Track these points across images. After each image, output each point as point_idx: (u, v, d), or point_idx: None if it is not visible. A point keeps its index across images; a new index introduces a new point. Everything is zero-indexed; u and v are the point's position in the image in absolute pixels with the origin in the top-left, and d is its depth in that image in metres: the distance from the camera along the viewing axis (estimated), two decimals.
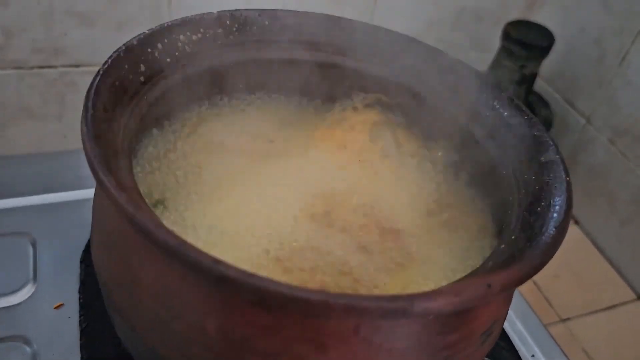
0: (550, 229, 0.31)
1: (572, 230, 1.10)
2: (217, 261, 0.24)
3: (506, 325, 0.53)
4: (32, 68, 0.89)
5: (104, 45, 0.82)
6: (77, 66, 0.90)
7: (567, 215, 0.32)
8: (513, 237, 0.33)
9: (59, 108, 0.91)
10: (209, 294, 0.28)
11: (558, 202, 0.33)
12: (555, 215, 0.32)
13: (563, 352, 0.53)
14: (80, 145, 0.32)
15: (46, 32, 0.85)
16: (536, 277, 0.63)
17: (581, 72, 1.11)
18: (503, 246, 0.32)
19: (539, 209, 0.34)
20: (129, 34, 0.37)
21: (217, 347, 0.29)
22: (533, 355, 0.52)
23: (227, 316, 0.28)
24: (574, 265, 0.94)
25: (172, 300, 0.29)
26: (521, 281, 0.28)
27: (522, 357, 0.51)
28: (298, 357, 0.28)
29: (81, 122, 0.30)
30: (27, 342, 0.45)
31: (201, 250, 0.25)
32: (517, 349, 0.52)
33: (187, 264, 0.25)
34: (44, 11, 0.82)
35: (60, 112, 0.91)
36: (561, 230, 0.30)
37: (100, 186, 0.27)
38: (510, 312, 0.55)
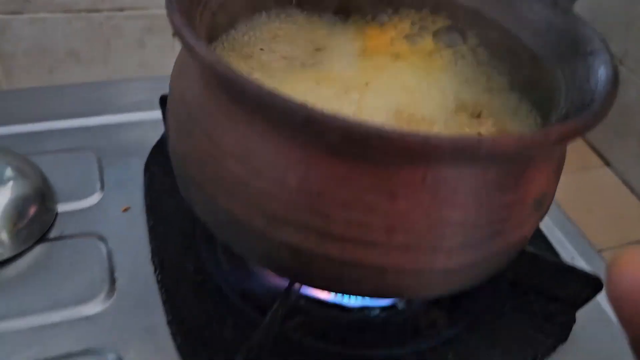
0: (600, 90, 0.33)
1: (604, 171, 1.12)
2: (304, 104, 0.27)
3: (545, 231, 0.56)
4: (79, 12, 0.92)
5: None
6: (121, 10, 0.93)
7: (615, 79, 0.34)
8: (564, 112, 0.35)
9: (104, 53, 0.94)
10: (291, 148, 0.31)
11: (603, 73, 0.35)
12: (602, 82, 0.34)
13: (601, 257, 0.55)
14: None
15: None
16: (570, 211, 0.65)
17: (612, 14, 1.11)
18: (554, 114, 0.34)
19: (585, 86, 0.36)
20: None
21: (295, 200, 0.32)
22: (573, 258, 0.54)
23: (307, 169, 0.31)
24: (606, 202, 0.96)
25: (253, 160, 0.32)
26: (577, 133, 0.30)
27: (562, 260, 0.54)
28: (369, 205, 0.31)
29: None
30: (101, 238, 0.48)
31: (287, 95, 0.27)
32: (557, 252, 0.54)
33: (275, 109, 0.28)
34: None
35: (106, 57, 0.95)
36: (611, 91, 0.33)
37: (186, 47, 0.30)
38: (547, 219, 0.57)
